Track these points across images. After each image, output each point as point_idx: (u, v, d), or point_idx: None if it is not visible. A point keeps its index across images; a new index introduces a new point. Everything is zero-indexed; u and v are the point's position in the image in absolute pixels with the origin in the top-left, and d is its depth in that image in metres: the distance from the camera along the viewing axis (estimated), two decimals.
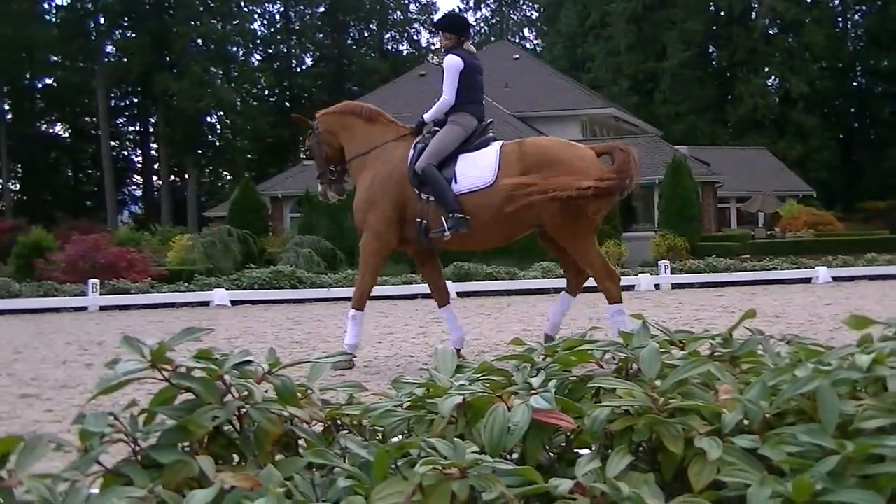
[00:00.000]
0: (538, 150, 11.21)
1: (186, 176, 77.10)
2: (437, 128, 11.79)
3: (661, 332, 2.63)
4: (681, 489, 2.00)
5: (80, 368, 11.79)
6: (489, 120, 11.92)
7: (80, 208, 74.08)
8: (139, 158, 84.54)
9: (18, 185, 79.57)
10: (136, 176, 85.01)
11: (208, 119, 76.26)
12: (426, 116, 11.88)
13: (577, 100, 54.16)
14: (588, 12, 78.02)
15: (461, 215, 11.11)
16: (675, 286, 27.20)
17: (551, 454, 2.19)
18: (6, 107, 74.90)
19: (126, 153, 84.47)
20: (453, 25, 12.27)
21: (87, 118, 79.84)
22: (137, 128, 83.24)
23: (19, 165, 78.03)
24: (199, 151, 76.48)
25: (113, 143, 77.60)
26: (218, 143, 78.54)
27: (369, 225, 11.78)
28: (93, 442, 1.95)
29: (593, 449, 2.13)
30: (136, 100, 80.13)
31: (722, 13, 77.27)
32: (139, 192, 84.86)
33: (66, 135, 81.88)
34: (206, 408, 1.99)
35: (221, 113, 75.23)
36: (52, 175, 78.97)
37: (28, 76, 76.38)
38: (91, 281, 25.58)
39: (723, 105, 75.02)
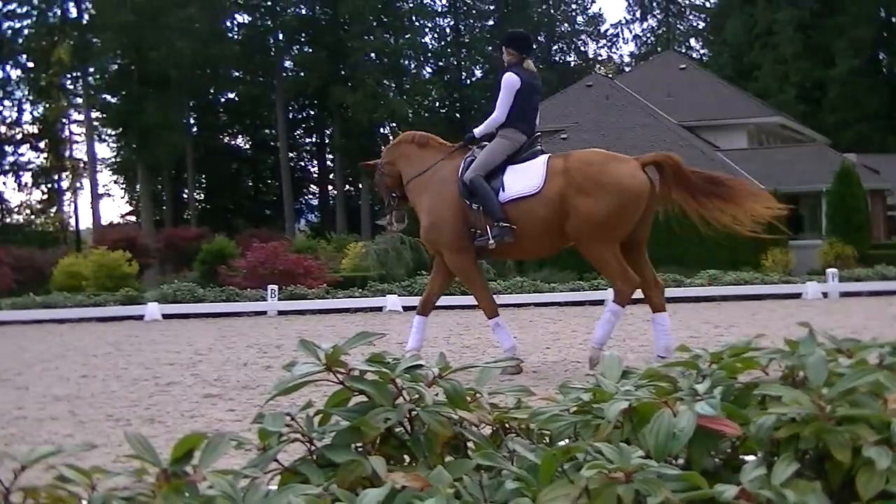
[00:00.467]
0: (582, 163, 11.49)
1: (360, 185, 77.91)
2: (486, 142, 12.06)
3: (828, 340, 2.56)
4: (848, 498, 1.95)
5: (259, 370, 12.06)
6: (537, 133, 12.15)
7: (260, 217, 75.45)
8: (315, 169, 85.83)
9: (203, 195, 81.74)
10: (312, 186, 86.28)
11: (381, 130, 76.95)
12: (476, 131, 12.31)
13: (744, 108, 53.19)
14: (754, 21, 76.27)
15: (507, 224, 11.38)
16: (844, 294, 26.48)
17: (716, 460, 2.16)
18: (192, 120, 77.14)
19: (303, 164, 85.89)
20: (517, 42, 12.48)
21: (266, 130, 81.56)
22: (314, 139, 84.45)
23: (203, 176, 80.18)
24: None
25: (291, 155, 79.04)
26: None
27: (442, 243, 12.17)
28: (271, 441, 1.99)
29: (759, 456, 2.09)
30: (312, 112, 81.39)
31: (893, 19, 74.96)
32: (315, 202, 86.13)
33: (247, 146, 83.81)
34: (378, 410, 2.02)
35: (394, 124, 75.83)
36: (234, 185, 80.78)
37: (212, 91, 78.37)
38: (270, 287, 26.13)
39: (894, 112, 72.68)
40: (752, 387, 2.30)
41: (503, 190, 11.52)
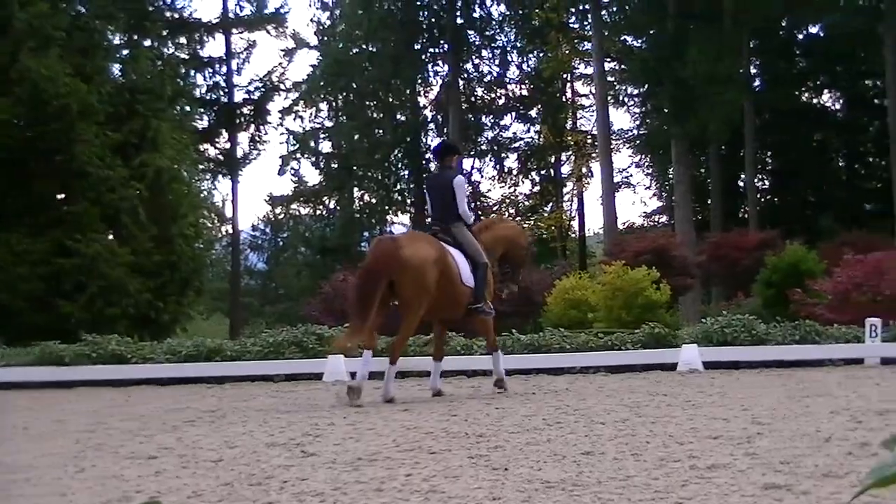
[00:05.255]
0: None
1: None
2: None
3: None
4: None
5: (850, 448, 11.87)
6: (435, 227, 20.32)
7: (858, 215, 73.81)
8: None
9: (768, 183, 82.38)
10: None
11: None
12: None
13: None
14: None
15: None
16: None
17: None
18: (752, 69, 78.28)
19: None
20: (433, 152, 22.42)
21: (868, 81, 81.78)
22: None
23: (769, 154, 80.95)
24: None
25: None
26: None
27: None
28: None
29: None
30: None
31: None
32: None
33: (837, 107, 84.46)
34: None
35: None
36: (818, 166, 79.79)
37: (783, 24, 79.79)
38: (870, 322, 25.69)
39: None
40: None
41: None
